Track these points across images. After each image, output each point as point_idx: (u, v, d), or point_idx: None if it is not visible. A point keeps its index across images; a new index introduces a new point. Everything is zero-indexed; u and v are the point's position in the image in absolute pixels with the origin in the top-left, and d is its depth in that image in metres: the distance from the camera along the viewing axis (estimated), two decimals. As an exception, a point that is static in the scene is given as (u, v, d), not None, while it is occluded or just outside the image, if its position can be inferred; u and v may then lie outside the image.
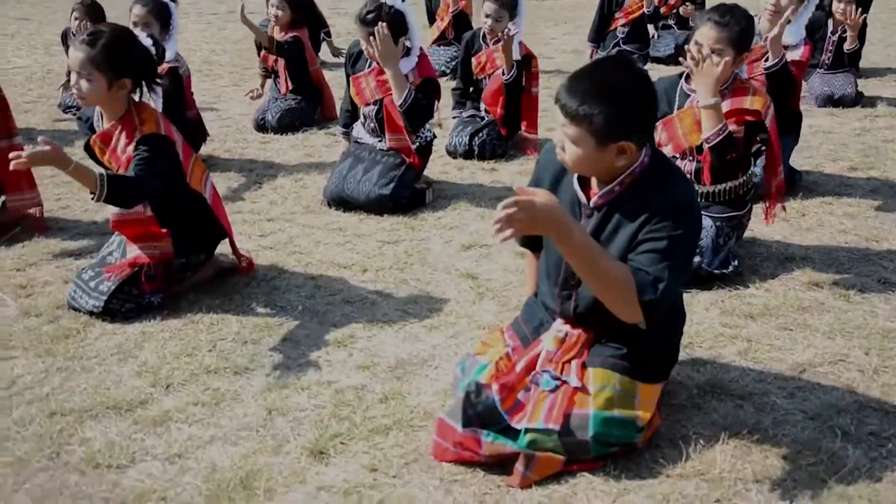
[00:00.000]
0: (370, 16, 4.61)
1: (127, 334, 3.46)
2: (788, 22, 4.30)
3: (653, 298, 2.33)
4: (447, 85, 6.71)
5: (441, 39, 8.51)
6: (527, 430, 2.48)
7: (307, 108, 6.70)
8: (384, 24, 4.51)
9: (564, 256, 2.40)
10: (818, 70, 6.81)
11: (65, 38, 7.19)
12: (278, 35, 6.61)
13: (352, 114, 5.17)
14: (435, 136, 5.13)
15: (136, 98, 3.63)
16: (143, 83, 3.63)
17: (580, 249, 2.30)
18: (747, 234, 4.09)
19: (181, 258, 3.73)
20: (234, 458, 2.66)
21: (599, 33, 8.16)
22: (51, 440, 2.78)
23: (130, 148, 3.51)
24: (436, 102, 5.04)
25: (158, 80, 3.71)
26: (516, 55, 5.62)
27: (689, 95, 3.79)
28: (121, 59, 3.46)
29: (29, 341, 3.43)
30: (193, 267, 3.82)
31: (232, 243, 3.88)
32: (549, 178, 2.67)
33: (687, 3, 8.19)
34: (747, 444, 2.64)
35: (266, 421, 2.85)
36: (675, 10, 8.49)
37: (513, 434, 2.51)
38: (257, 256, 4.12)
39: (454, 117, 6.10)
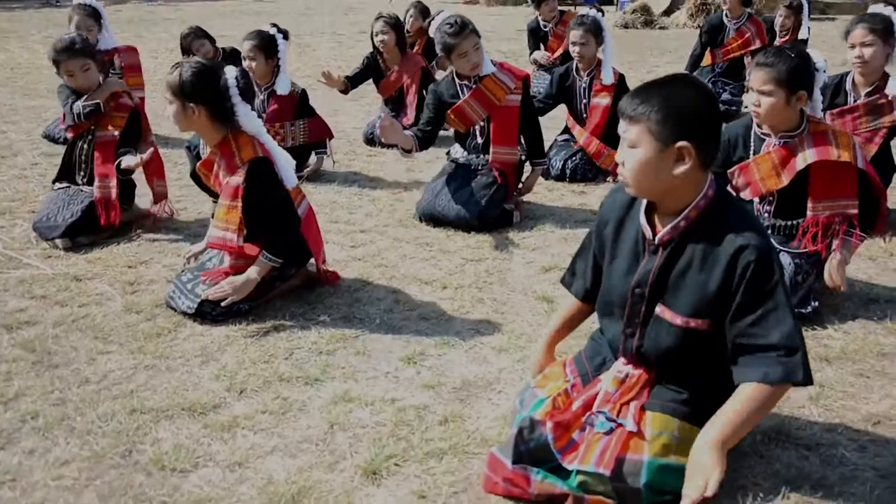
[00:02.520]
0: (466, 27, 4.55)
1: (213, 337, 3.38)
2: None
3: (801, 373, 2.20)
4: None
5: (543, 67, 8.26)
6: (578, 472, 2.25)
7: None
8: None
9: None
10: None
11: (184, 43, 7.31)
12: (390, 62, 6.55)
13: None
14: (527, 158, 4.92)
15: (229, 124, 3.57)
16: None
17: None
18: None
19: (273, 270, 3.62)
20: (291, 471, 2.51)
21: (696, 63, 7.70)
22: (126, 437, 2.70)
23: (235, 178, 3.48)
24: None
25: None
26: (610, 79, 5.37)
27: (764, 140, 3.50)
28: (193, 88, 3.43)
29: (126, 337, 3.40)
30: (284, 277, 3.72)
31: (317, 262, 3.78)
32: (613, 219, 2.46)
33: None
34: (810, 500, 2.33)
35: (327, 435, 2.70)
36: None
37: (564, 474, 2.27)
38: (345, 267, 4.01)
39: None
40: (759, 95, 3.34)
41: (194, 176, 3.77)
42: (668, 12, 14.43)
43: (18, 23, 14.24)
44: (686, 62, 7.94)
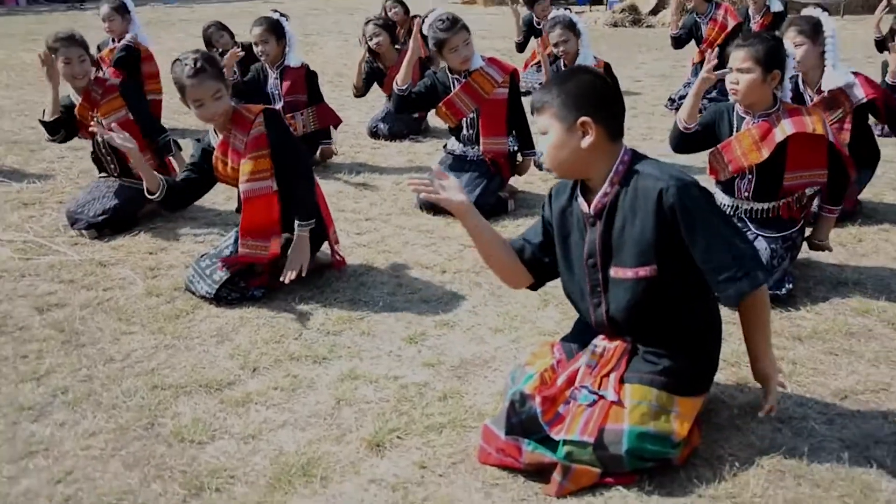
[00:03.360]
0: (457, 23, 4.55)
1: (227, 318, 3.40)
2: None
3: (760, 275, 2.29)
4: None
5: (536, 64, 8.22)
6: (564, 442, 2.26)
7: (416, 119, 6.57)
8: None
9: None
10: None
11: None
12: (386, 60, 6.51)
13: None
14: (517, 149, 4.90)
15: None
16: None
17: None
18: (803, 256, 3.73)
19: (286, 256, 3.60)
20: (301, 443, 2.53)
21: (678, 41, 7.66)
22: (149, 411, 2.72)
23: (254, 130, 3.48)
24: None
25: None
26: (591, 62, 5.41)
27: (745, 118, 3.53)
28: (217, 69, 3.48)
29: (147, 319, 3.42)
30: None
31: (330, 239, 3.77)
32: (557, 208, 2.50)
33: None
34: (781, 469, 2.34)
35: (334, 410, 2.71)
36: None
37: (552, 444, 2.29)
38: (351, 253, 4.01)
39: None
40: (737, 73, 3.38)
41: (208, 171, 3.68)
42: (654, 11, 14.34)
43: (46, 24, 14.17)
44: (675, 58, 7.89)
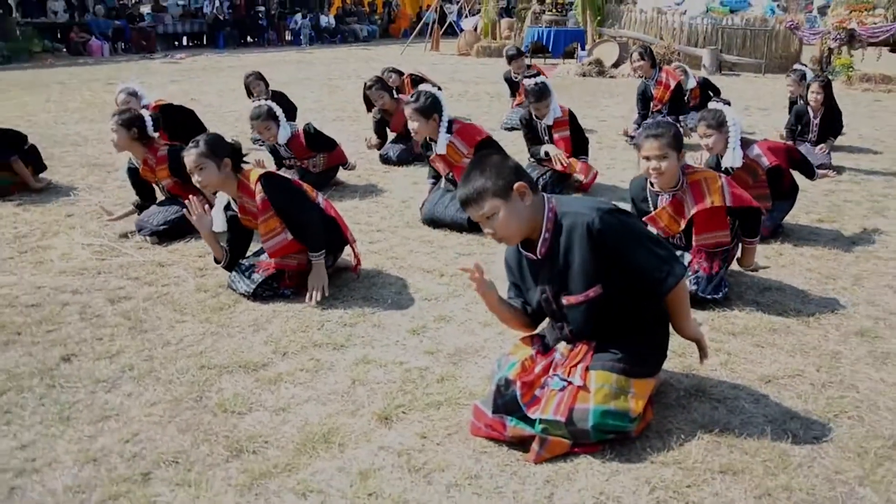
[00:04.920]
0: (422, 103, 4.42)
1: (262, 311, 3.37)
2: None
3: (678, 269, 2.30)
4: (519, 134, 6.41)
5: (520, 106, 8.20)
6: (540, 420, 2.26)
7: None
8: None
9: None
10: (807, 144, 6.33)
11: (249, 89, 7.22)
12: (390, 109, 6.54)
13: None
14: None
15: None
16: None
17: None
18: (737, 268, 3.72)
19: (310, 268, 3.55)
20: (322, 416, 2.51)
21: (644, 117, 7.37)
22: (198, 387, 2.71)
23: (258, 197, 3.40)
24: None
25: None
26: (559, 114, 5.35)
27: (659, 195, 3.45)
28: (218, 147, 3.39)
29: (197, 310, 3.39)
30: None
31: (347, 238, 3.70)
32: (514, 263, 2.48)
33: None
34: (718, 440, 2.35)
35: (350, 389, 2.69)
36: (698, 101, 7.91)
37: (531, 421, 2.28)
38: (364, 259, 3.97)
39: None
40: (658, 161, 3.21)
41: (239, 225, 3.60)
42: (616, 65, 14.37)
43: (122, 71, 14.17)
44: (633, 102, 7.71)
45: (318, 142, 5.51)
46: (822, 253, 4.13)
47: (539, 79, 5.35)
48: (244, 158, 3.54)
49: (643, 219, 3.43)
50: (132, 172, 4.57)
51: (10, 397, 2.63)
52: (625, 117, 8.70)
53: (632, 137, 7.21)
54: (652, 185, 3.42)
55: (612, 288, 2.29)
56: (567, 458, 2.25)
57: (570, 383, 2.31)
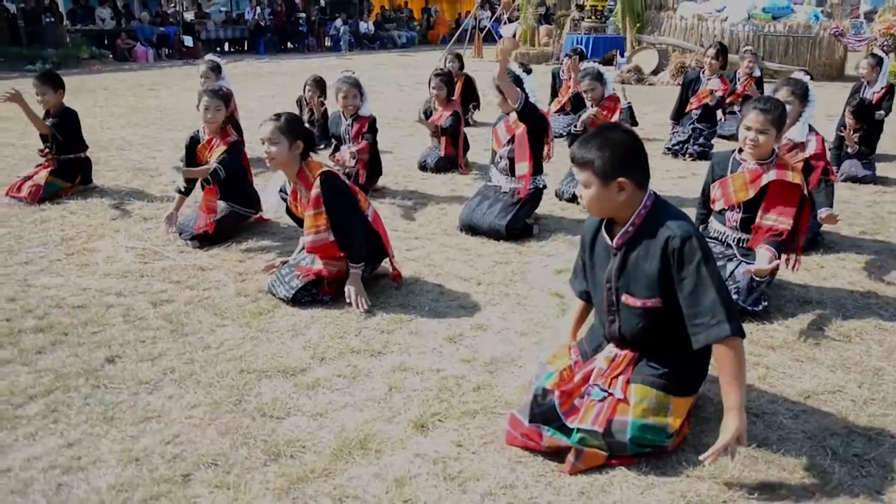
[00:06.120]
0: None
1: (301, 317, 3.41)
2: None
3: (729, 328, 2.13)
4: (563, 143, 6.41)
5: (561, 111, 8.22)
6: (578, 430, 2.25)
7: (455, 157, 6.56)
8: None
9: None
10: (847, 156, 6.25)
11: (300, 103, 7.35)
12: (438, 106, 6.57)
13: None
14: (545, 186, 4.86)
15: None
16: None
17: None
18: (776, 279, 3.64)
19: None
20: (359, 422, 2.53)
21: (678, 113, 7.55)
22: (237, 390, 2.74)
23: (314, 191, 3.45)
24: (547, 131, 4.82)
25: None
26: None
27: (741, 163, 3.47)
28: (294, 127, 3.47)
29: (237, 314, 3.44)
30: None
31: (388, 251, 3.74)
32: (589, 237, 2.47)
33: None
34: (755, 456, 2.31)
35: (387, 395, 2.71)
36: (740, 99, 7.85)
37: (567, 431, 2.27)
38: (402, 266, 3.98)
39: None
40: (757, 134, 3.31)
41: (289, 212, 3.73)
42: (655, 72, 14.23)
43: (166, 77, 14.52)
44: (670, 110, 7.77)
45: (375, 134, 5.57)
46: (864, 266, 4.04)
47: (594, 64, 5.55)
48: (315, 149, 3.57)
49: (714, 181, 3.48)
50: (192, 143, 4.62)
51: (57, 396, 2.71)
52: (662, 125, 8.61)
53: (668, 149, 7.19)
54: (740, 153, 3.47)
55: (671, 306, 2.26)
56: (602, 470, 2.24)
57: (610, 394, 2.30)
